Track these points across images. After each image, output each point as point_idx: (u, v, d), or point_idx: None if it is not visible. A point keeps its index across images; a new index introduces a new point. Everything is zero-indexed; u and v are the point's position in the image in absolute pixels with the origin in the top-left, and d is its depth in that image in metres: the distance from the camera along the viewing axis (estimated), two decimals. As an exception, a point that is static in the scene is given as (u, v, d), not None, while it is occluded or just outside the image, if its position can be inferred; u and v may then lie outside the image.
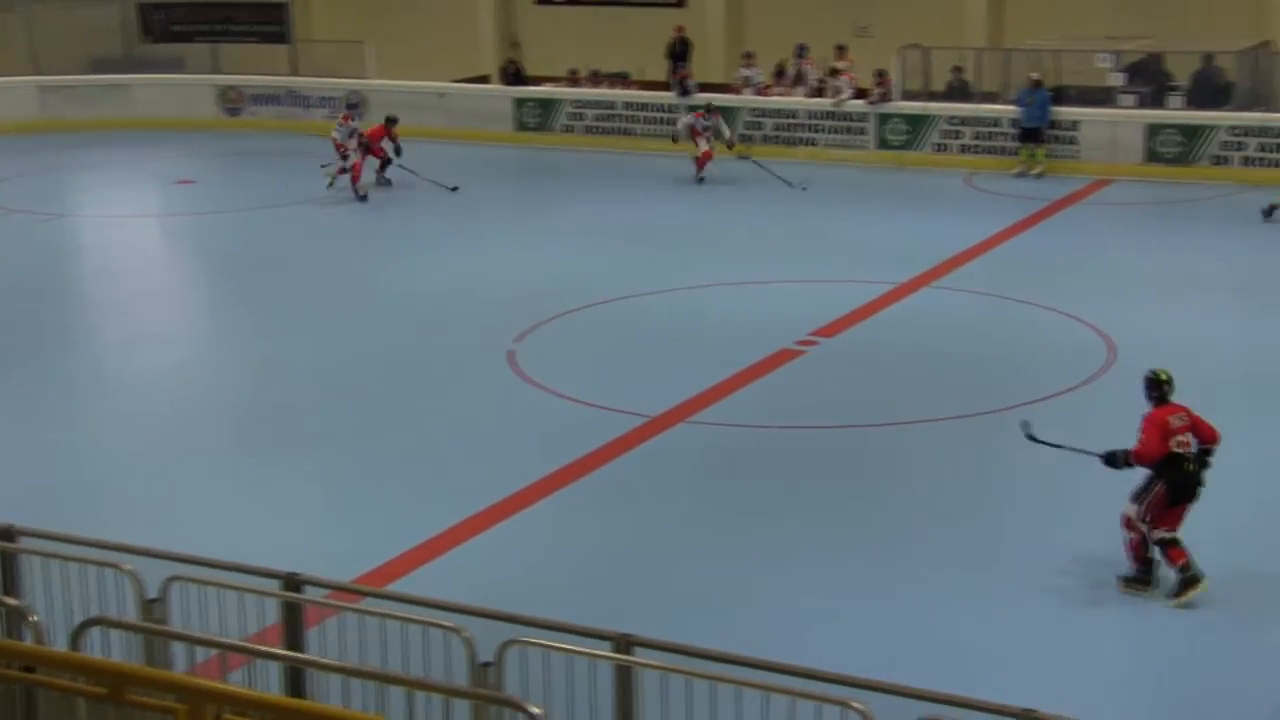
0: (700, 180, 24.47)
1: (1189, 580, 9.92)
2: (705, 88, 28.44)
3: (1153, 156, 24.86)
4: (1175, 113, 25.16)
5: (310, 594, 8.26)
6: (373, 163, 24.16)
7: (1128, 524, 10.19)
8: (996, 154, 25.75)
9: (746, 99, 27.85)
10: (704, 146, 24.69)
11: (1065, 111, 25.34)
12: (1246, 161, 24.33)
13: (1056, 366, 15.01)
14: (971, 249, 20.11)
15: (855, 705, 6.80)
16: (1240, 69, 25.76)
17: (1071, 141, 25.30)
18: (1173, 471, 9.98)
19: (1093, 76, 26.19)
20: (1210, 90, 25.54)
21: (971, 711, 6.85)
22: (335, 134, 23.90)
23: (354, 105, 25.95)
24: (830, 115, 27.07)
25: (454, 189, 23.87)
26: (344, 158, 23.64)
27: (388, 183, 24.54)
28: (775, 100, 27.63)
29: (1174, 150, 24.75)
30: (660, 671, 7.39)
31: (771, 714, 7.10)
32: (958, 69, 27.28)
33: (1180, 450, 9.98)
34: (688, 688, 7.31)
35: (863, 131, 26.86)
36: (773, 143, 27.23)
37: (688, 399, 14.25)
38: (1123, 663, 9.31)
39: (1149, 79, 25.98)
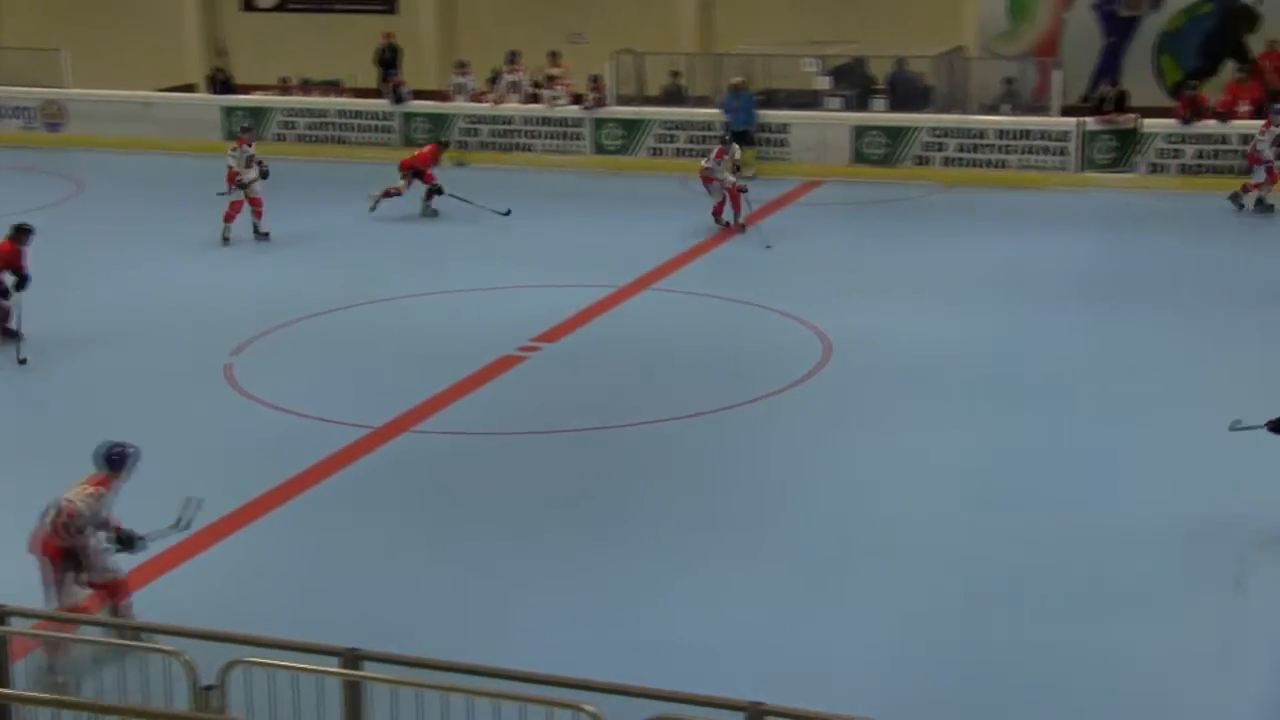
0: (742, 227, 21.39)
1: None
2: (420, 95, 28.23)
3: (860, 158, 25.68)
4: (879, 115, 26.05)
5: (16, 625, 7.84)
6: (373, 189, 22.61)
7: None
8: (710, 157, 26.22)
9: (461, 106, 27.75)
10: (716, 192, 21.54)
11: (775, 115, 25.98)
12: (947, 162, 25.33)
13: (775, 364, 15.32)
14: (689, 251, 20.41)
15: (586, 708, 6.79)
16: (937, 73, 26.82)
17: (782, 144, 25.94)
18: None
19: (800, 80, 26.93)
20: (910, 93, 26.53)
21: (702, 708, 6.91)
22: (230, 160, 20.93)
23: (248, 129, 22.54)
24: (546, 121, 27.17)
25: (506, 213, 21.99)
26: (241, 186, 20.84)
27: (434, 213, 22.55)
28: (489, 107, 27.58)
29: (879, 151, 25.61)
30: (390, 685, 7.26)
31: (504, 722, 7.04)
32: (675, 73, 27.69)
33: None
34: (419, 700, 7.19)
35: (579, 137, 27.03)
36: (489, 149, 27.20)
37: (410, 408, 14.07)
38: (857, 655, 9.48)
39: (853, 83, 26.84)
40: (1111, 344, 16.04)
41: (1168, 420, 13.53)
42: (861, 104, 26.40)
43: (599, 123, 26.88)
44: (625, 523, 11.60)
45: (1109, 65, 28.30)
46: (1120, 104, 25.49)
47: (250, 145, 21.33)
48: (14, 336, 15.87)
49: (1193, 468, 12.38)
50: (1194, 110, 24.53)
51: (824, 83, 26.79)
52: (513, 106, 27.52)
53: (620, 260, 19.54)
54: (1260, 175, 22.08)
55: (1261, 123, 22.54)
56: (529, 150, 27.23)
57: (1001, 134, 25.12)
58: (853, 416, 13.87)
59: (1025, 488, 12.05)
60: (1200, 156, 24.36)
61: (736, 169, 21.75)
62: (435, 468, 12.93)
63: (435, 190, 22.50)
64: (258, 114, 28.10)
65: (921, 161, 25.43)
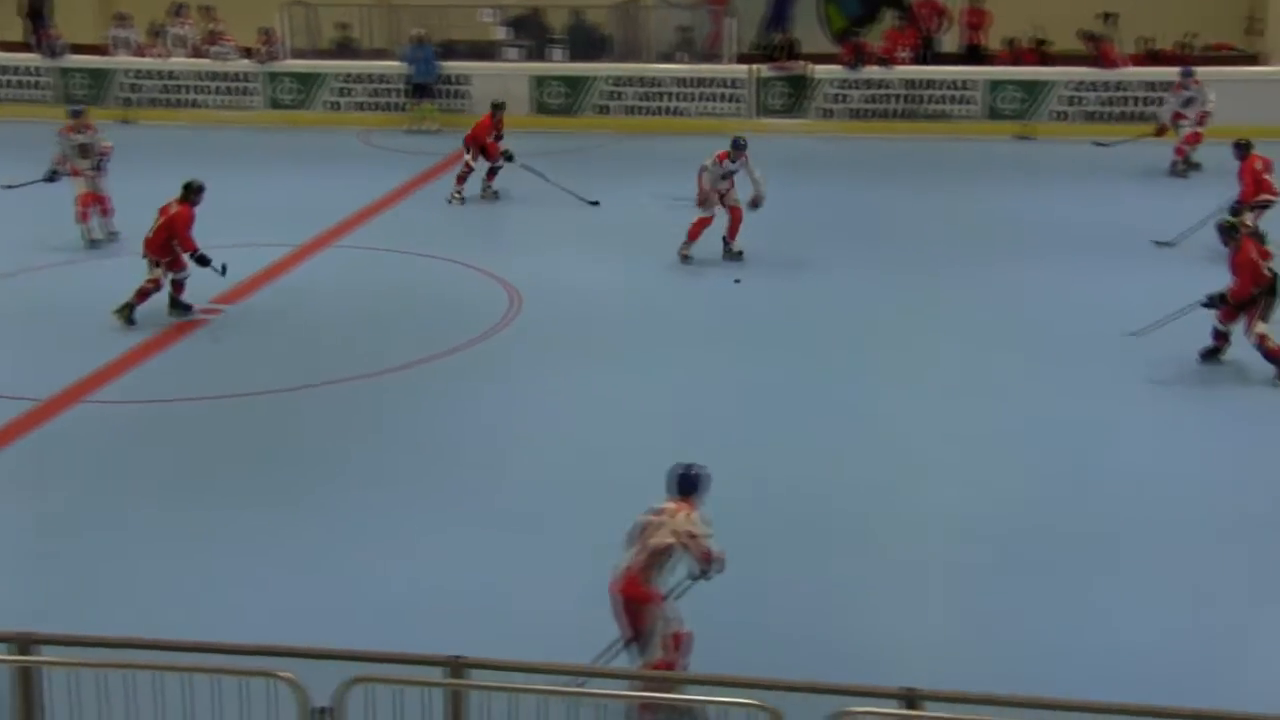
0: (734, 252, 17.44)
1: None
2: (77, 49, 26.87)
3: (540, 108, 25.61)
4: (558, 65, 26.02)
5: None
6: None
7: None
8: (389, 110, 25.79)
9: (123, 60, 26.53)
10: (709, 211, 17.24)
11: (455, 66, 25.67)
12: (627, 110, 25.49)
13: (465, 318, 15.14)
14: (371, 206, 20.01)
15: (283, 674, 6.54)
16: (613, 23, 26.94)
17: (463, 95, 25.66)
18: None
19: (479, 31, 26.68)
20: (588, 43, 26.59)
21: (402, 665, 6.74)
22: (57, 146, 17.81)
23: (78, 112, 18.43)
24: (216, 76, 26.23)
25: (595, 203, 19.89)
26: (52, 177, 17.72)
27: (495, 194, 20.37)
28: (154, 62, 26.43)
29: (559, 101, 25.59)
30: (67, 669, 6.85)
31: (196, 697, 6.73)
32: (343, 25, 27.07)
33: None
34: (100, 681, 6.81)
35: (252, 92, 26.18)
36: (158, 105, 26.12)
37: (83, 378, 13.38)
38: (561, 604, 9.38)
39: (531, 33, 26.73)
40: (793, 283, 16.40)
41: (843, 361, 13.94)
42: (540, 54, 26.33)
43: (272, 77, 26.09)
44: (322, 485, 11.25)
45: (779, 14, 28.95)
46: (791, 51, 26.07)
47: (84, 134, 17.83)
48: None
49: (864, 403, 12.77)
50: (858, 56, 25.28)
51: (502, 33, 26.62)
52: (180, 61, 26.46)
53: (300, 217, 19.00)
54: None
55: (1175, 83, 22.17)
56: (199, 106, 26.25)
57: (679, 82, 25.42)
58: (546, 365, 13.82)
59: (722, 427, 12.20)
60: (867, 101, 25.14)
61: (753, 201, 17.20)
62: (114, 439, 12.32)
63: (496, 168, 20.29)
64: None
65: (602, 110, 25.52)
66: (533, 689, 6.80)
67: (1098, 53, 24.78)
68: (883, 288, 16.13)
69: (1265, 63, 25.60)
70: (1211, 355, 13.57)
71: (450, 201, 20.16)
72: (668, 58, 26.41)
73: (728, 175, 16.94)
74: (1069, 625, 9.02)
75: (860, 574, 9.80)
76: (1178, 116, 21.61)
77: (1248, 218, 15.58)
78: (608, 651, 7.91)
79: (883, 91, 25.06)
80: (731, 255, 17.11)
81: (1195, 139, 21.28)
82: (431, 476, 11.41)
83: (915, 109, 24.93)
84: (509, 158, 20.15)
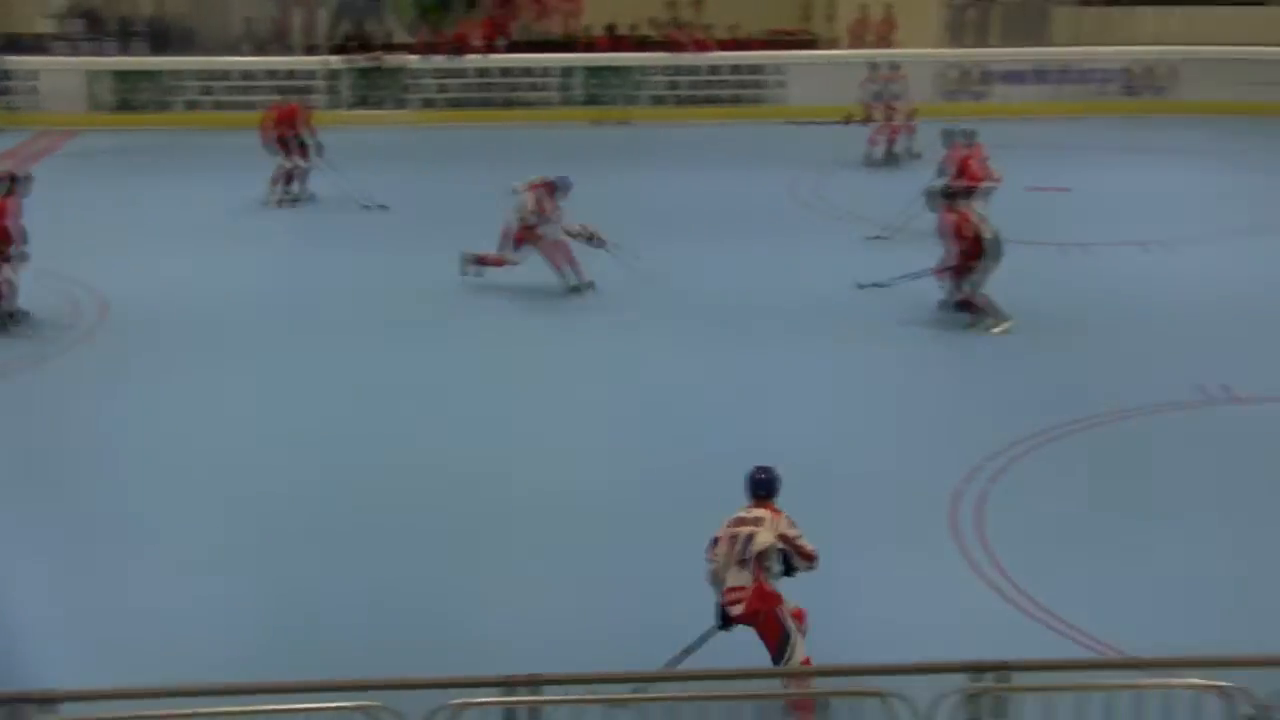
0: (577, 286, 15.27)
1: None
2: None
3: (123, 104, 24.30)
4: (138, 60, 24.81)
5: None
6: None
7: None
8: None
9: None
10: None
11: (22, 61, 24.06)
12: (217, 105, 24.48)
13: (48, 327, 14.10)
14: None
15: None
16: (196, 14, 25.87)
17: (33, 91, 24.08)
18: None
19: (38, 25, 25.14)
20: (166, 36, 25.48)
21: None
22: None
23: None
24: None
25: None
26: None
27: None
28: None
29: (138, 97, 24.35)
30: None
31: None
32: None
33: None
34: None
35: None
36: None
37: None
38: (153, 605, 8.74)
39: (100, 27, 25.38)
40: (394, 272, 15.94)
41: (456, 355, 13.64)
42: (109, 48, 24.98)
43: None
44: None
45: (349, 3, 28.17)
46: (366, 43, 25.46)
47: None
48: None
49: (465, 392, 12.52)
50: (434, 46, 24.99)
51: (71, 25, 25.15)
52: None
53: None
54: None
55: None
56: None
57: (247, 75, 24.55)
58: (138, 371, 12.97)
59: (325, 425, 11.73)
60: (465, 90, 24.88)
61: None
62: None
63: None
64: None
65: (192, 106, 24.44)
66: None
67: (689, 39, 25.28)
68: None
69: (830, 46, 26.48)
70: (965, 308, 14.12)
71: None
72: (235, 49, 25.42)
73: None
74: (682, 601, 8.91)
75: (471, 565, 9.50)
76: (871, 107, 21.80)
77: (976, 204, 15.50)
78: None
79: (481, 80, 24.86)
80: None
81: (892, 131, 21.24)
82: (32, 490, 10.49)
83: (514, 97, 24.83)
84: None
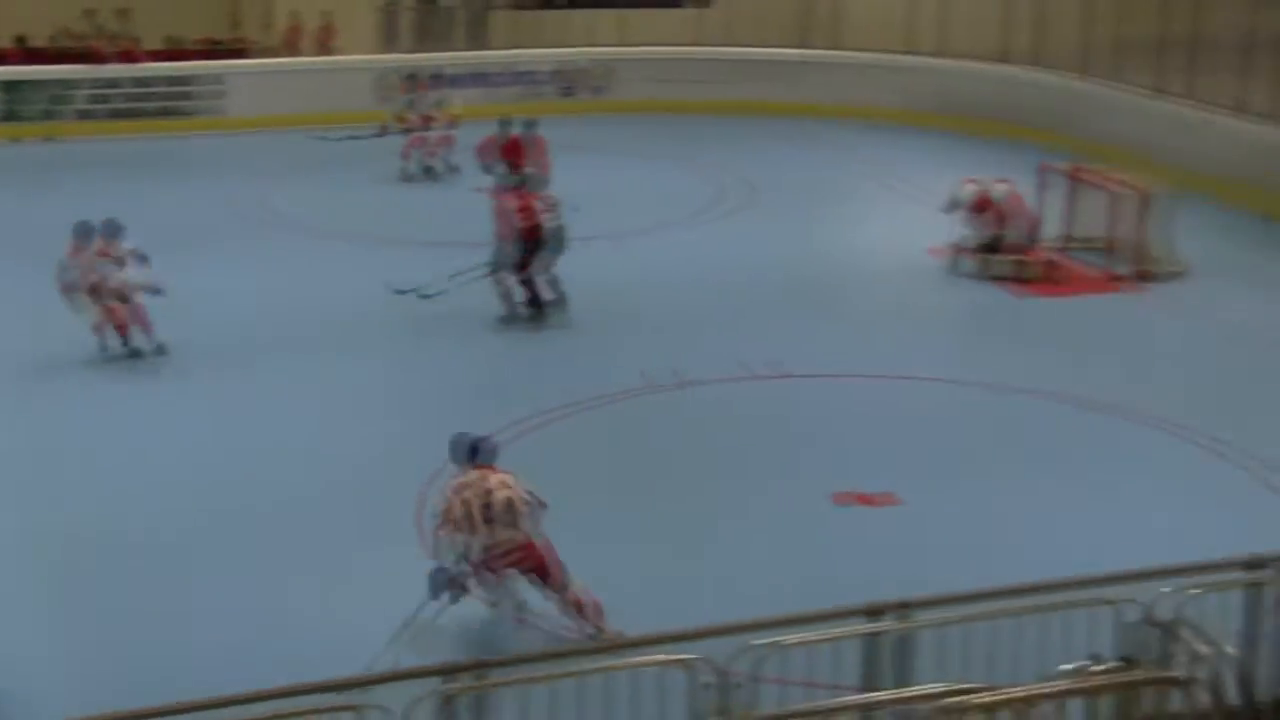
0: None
1: None
2: None
3: None
4: None
5: None
6: None
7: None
8: None
9: None
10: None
11: None
12: None
13: None
14: None
15: None
16: None
17: None
18: None
19: None
20: None
21: None
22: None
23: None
24: None
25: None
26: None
27: None
28: None
29: None
30: None
31: None
32: None
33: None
34: None
35: None
36: None
37: None
38: None
39: None
40: None
41: None
42: None
43: None
44: None
45: None
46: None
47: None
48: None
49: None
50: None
51: None
52: None
53: None
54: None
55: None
56: None
57: None
58: None
59: None
60: None
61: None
62: None
63: None
64: None
65: None
66: None
67: (114, 50, 24.08)
68: None
69: (268, 55, 25.80)
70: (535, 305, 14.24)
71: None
72: None
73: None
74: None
75: None
76: (401, 119, 20.87)
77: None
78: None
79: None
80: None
81: (421, 143, 20.43)
82: None
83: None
84: None
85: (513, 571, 8.35)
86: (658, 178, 20.72)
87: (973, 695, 5.58)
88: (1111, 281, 15.73)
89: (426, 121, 20.76)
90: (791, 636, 6.47)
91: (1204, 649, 5.73)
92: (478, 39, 26.35)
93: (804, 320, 14.64)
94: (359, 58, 24.91)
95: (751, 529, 10.10)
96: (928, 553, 9.58)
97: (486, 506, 8.18)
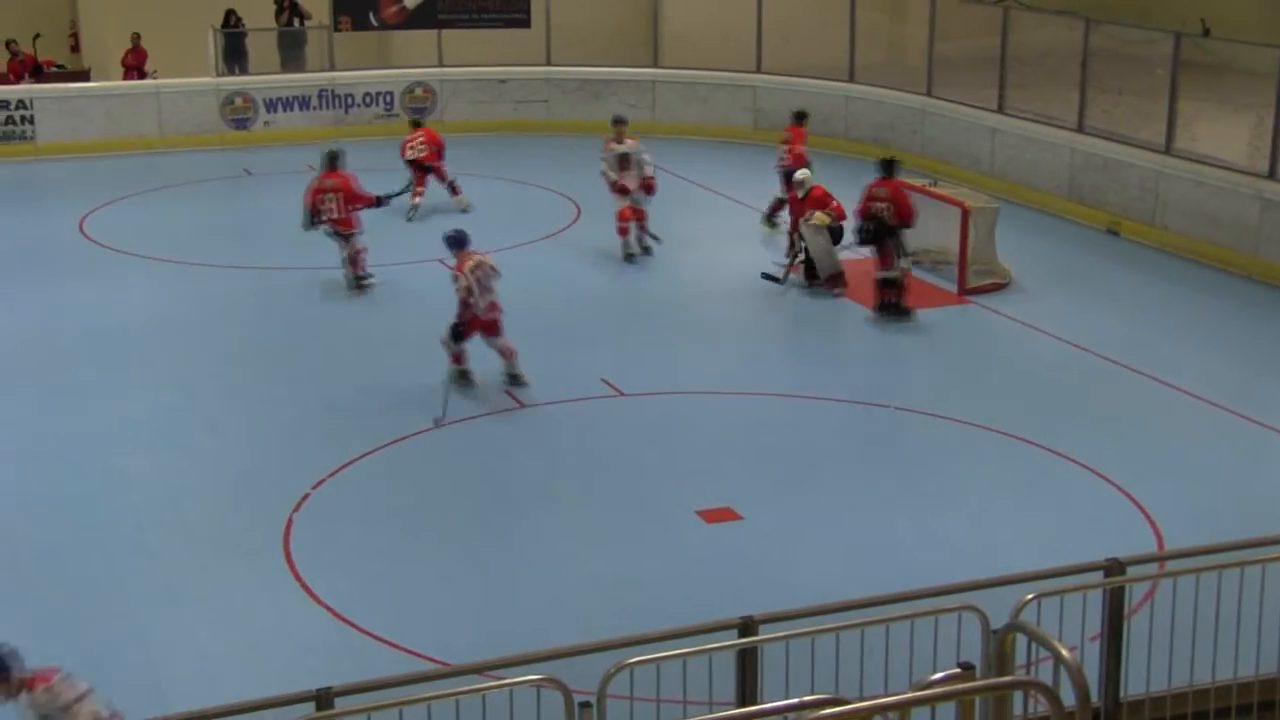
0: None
1: None
2: None
3: None
4: None
5: None
6: None
7: None
8: None
9: None
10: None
11: None
12: None
13: None
14: None
15: None
16: None
17: None
18: None
19: None
20: None
21: None
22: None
23: (620, 121, 17.80)
24: None
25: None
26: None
27: None
28: None
29: None
30: None
31: None
32: None
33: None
34: None
35: None
36: None
37: None
38: None
39: None
40: None
41: None
42: None
43: None
44: None
45: None
46: None
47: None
48: None
49: None
50: None
51: None
52: None
53: None
54: None
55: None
56: None
57: None
58: None
59: None
60: None
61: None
62: None
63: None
64: None
65: None
66: None
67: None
68: None
69: (90, 78, 25.33)
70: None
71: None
72: None
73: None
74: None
75: None
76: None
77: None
78: None
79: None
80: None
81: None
82: None
83: None
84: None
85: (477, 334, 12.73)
86: (494, 198, 20.52)
87: (824, 708, 5.56)
88: (950, 294, 15.94)
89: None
90: (654, 655, 6.38)
91: (1062, 652, 5.81)
92: (294, 61, 25.76)
93: (642, 338, 14.70)
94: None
95: (603, 548, 10.09)
96: (768, 566, 9.66)
97: (485, 274, 12.67)
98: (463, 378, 12.81)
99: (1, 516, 10.63)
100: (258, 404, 12.92)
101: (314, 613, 9.17)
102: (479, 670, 6.73)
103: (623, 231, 17.06)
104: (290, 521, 10.34)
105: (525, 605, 9.24)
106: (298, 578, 9.60)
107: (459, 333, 12.66)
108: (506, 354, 12.86)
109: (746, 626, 6.40)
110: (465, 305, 12.56)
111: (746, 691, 6.52)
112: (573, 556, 9.98)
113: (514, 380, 12.91)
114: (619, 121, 17.48)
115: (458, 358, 12.76)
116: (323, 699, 6.14)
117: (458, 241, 12.90)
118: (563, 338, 14.54)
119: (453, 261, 13.02)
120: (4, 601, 9.28)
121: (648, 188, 17.09)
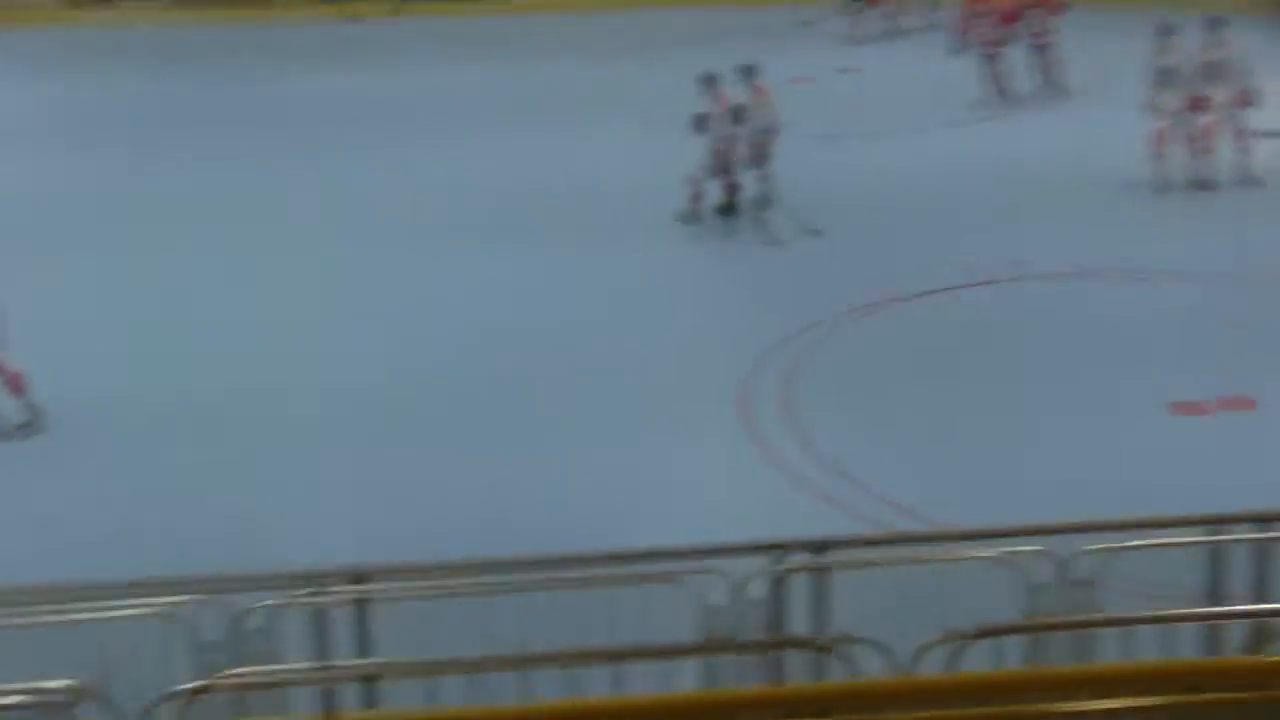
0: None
1: None
2: None
3: None
4: None
5: None
6: None
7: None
8: None
9: None
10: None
11: None
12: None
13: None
14: None
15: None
16: None
17: None
18: None
19: None
20: None
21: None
22: None
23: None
24: None
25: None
26: None
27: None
28: None
29: None
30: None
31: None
32: None
33: None
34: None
35: None
36: None
37: None
38: None
39: None
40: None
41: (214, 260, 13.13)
42: None
43: None
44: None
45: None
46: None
47: None
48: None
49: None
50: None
51: None
52: None
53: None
54: None
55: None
56: None
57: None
58: None
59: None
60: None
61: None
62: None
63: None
64: None
65: None
66: None
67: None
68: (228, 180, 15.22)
69: None
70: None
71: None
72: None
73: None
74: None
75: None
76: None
77: None
78: None
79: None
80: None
81: None
82: None
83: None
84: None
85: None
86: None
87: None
88: None
89: None
90: (1131, 542, 6.21)
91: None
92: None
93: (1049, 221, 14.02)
94: None
95: (1076, 431, 9.60)
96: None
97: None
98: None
99: (555, 337, 11.27)
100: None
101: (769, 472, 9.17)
102: (968, 538, 6.65)
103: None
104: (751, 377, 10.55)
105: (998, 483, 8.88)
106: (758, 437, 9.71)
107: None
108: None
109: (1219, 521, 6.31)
110: None
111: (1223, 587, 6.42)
112: (1052, 436, 9.53)
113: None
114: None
115: None
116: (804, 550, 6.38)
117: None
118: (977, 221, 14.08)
119: None
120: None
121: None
